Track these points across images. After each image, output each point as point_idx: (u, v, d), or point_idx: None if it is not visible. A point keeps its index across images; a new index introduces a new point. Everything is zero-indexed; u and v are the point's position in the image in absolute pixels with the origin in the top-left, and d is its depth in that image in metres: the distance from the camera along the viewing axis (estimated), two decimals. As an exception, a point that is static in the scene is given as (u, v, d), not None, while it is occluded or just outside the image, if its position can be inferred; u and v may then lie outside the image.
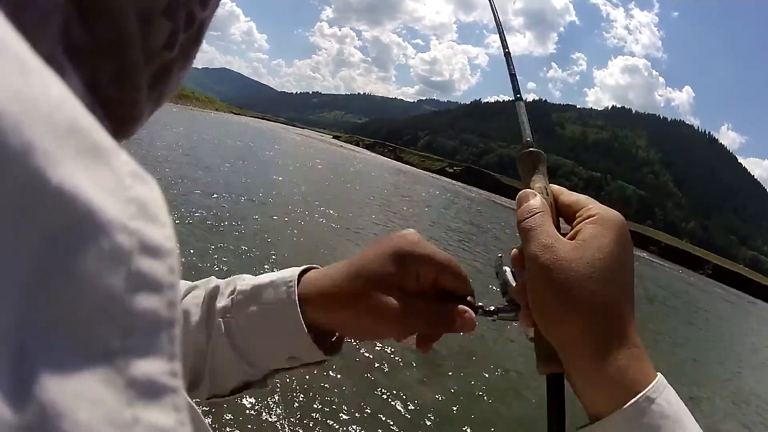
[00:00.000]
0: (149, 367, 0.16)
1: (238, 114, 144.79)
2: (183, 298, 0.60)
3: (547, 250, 0.49)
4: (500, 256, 0.60)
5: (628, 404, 0.45)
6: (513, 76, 0.76)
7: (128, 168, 0.17)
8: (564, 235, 0.52)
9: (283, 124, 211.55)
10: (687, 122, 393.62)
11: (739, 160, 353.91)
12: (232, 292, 0.60)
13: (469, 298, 0.58)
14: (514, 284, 0.56)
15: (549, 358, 0.52)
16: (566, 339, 0.49)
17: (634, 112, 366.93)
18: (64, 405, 0.13)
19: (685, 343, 14.86)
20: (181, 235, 9.72)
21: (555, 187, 0.58)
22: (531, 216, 0.53)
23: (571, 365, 0.49)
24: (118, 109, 0.25)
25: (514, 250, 0.56)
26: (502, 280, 0.59)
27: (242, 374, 0.62)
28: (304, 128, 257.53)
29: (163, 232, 0.18)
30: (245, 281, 0.61)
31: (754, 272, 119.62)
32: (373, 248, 0.57)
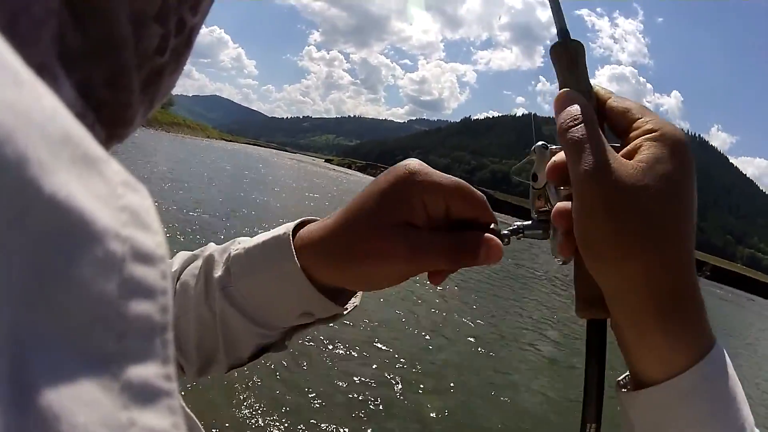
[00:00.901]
0: (144, 370, 0.17)
1: (230, 141, 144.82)
2: (183, 270, 0.60)
3: (603, 171, 0.40)
4: (541, 144, 0.51)
5: (703, 360, 0.39)
6: None
7: (120, 177, 0.17)
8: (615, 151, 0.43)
9: (275, 149, 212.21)
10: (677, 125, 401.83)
11: (730, 160, 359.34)
12: (227, 260, 0.56)
13: (492, 226, 0.50)
14: (555, 203, 0.46)
15: (593, 301, 0.44)
16: (623, 284, 0.41)
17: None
18: (61, 408, 0.14)
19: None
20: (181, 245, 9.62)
21: (599, 88, 0.48)
22: (578, 124, 0.43)
23: (626, 316, 0.42)
24: (111, 112, 0.25)
25: (556, 158, 0.47)
26: (540, 187, 0.51)
27: (258, 338, 0.59)
28: (295, 153, 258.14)
29: (154, 239, 0.18)
30: (240, 245, 0.57)
31: (751, 270, 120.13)
32: (371, 185, 0.50)
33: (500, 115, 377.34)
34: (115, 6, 0.22)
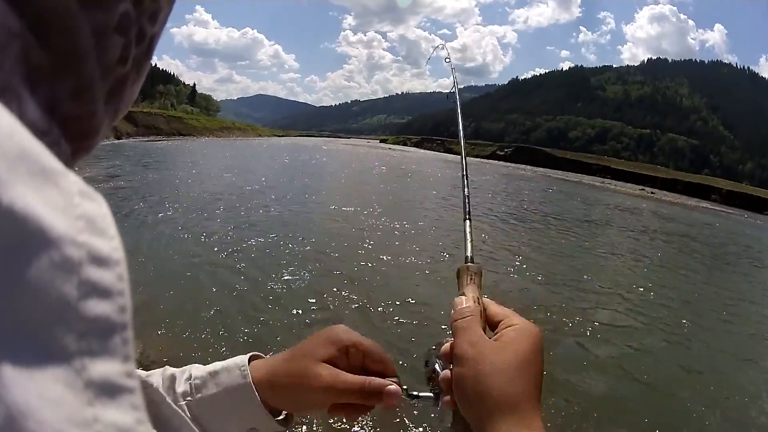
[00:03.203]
0: (105, 368, 0.18)
1: (282, 135, 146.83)
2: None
3: (474, 347, 0.61)
4: (432, 349, 0.71)
5: None
6: (466, 197, 0.94)
7: (76, 187, 0.19)
8: (489, 338, 0.64)
9: (328, 137, 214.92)
10: (725, 61, 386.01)
11: None
12: (189, 378, 0.69)
13: (394, 379, 0.70)
14: (441, 372, 0.67)
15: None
16: (481, 420, 0.58)
17: (670, 61, 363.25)
18: (28, 405, 0.15)
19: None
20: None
21: (486, 299, 0.70)
22: (463, 318, 0.65)
23: None
24: (77, 124, 0.26)
25: (446, 344, 0.67)
26: (432, 368, 0.69)
27: None
28: (350, 137, 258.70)
29: (110, 244, 0.20)
30: (199, 369, 0.71)
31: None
32: (309, 339, 0.70)
33: (547, 71, 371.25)
34: (78, 21, 0.23)
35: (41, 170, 0.18)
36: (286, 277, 9.56)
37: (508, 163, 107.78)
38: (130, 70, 0.29)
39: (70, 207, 0.18)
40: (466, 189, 1.00)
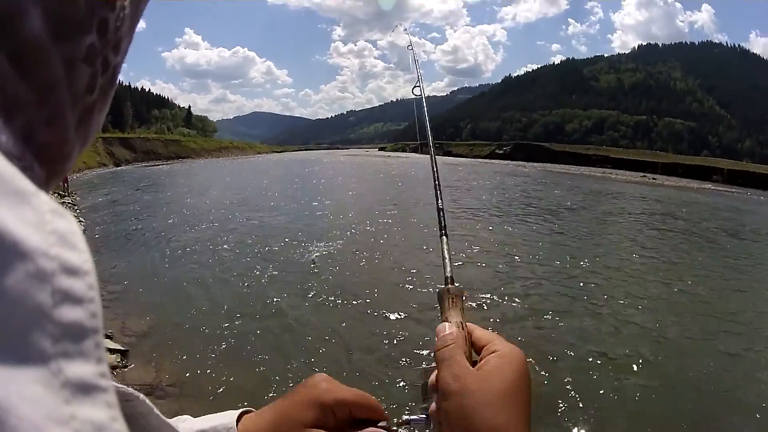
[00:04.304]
0: (80, 369, 0.19)
1: (281, 151, 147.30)
2: None
3: (458, 380, 0.60)
4: (425, 370, 0.70)
5: None
6: (440, 211, 0.89)
7: (48, 206, 0.20)
8: (474, 363, 0.63)
9: (327, 149, 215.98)
10: (715, 41, 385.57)
11: None
12: None
13: (383, 423, 0.70)
14: (430, 402, 0.67)
15: None
16: None
17: (661, 45, 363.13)
18: (9, 403, 0.16)
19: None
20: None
21: (470, 324, 0.69)
22: (446, 347, 0.64)
23: None
24: (50, 150, 0.27)
25: (432, 376, 0.67)
26: (424, 393, 0.69)
27: None
28: (348, 148, 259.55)
29: (80, 256, 0.21)
30: (186, 423, 0.71)
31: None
32: (291, 400, 0.69)
33: (539, 66, 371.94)
34: (50, 52, 0.24)
35: (14, 191, 0.19)
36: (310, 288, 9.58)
37: (508, 161, 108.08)
38: (97, 99, 0.30)
39: (43, 223, 0.20)
40: (439, 201, 0.93)
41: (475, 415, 0.57)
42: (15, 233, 0.18)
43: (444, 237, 0.84)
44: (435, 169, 1.02)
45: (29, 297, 0.18)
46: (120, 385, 0.37)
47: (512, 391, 0.59)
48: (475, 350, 0.66)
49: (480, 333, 0.68)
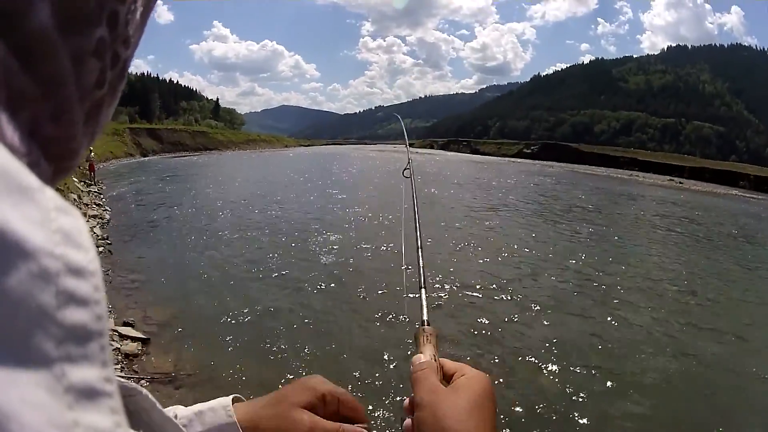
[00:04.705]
0: (85, 373, 0.18)
1: (309, 145, 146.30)
2: None
3: (430, 393, 0.69)
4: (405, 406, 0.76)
5: None
6: (422, 269, 0.99)
7: (53, 203, 0.20)
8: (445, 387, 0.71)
9: (354, 144, 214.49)
10: (744, 44, 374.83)
11: None
12: (174, 417, 0.69)
13: (364, 425, 0.78)
14: (404, 423, 0.73)
15: None
16: None
17: (690, 47, 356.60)
18: (10, 409, 0.15)
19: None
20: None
21: (441, 359, 0.78)
22: (420, 370, 0.74)
23: None
24: (57, 146, 0.27)
25: (407, 399, 0.75)
26: (403, 424, 0.74)
27: None
28: (376, 143, 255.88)
29: (86, 256, 0.20)
30: (184, 410, 0.73)
31: None
32: (288, 386, 0.77)
33: (568, 66, 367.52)
34: (57, 46, 0.23)
35: (18, 187, 0.18)
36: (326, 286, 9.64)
37: (535, 161, 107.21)
38: (106, 93, 0.30)
39: (47, 221, 0.19)
40: (420, 260, 1.02)
41: (446, 422, 0.64)
42: (18, 231, 0.18)
43: (423, 289, 0.93)
44: (418, 223, 1.09)
45: (32, 298, 0.18)
46: (123, 380, 0.36)
47: (478, 405, 0.67)
48: (446, 378, 0.74)
49: (450, 364, 0.76)
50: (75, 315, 0.19)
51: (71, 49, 0.25)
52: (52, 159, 0.27)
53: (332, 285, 9.90)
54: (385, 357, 6.89)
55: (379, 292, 9.44)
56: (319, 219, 17.23)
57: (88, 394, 0.18)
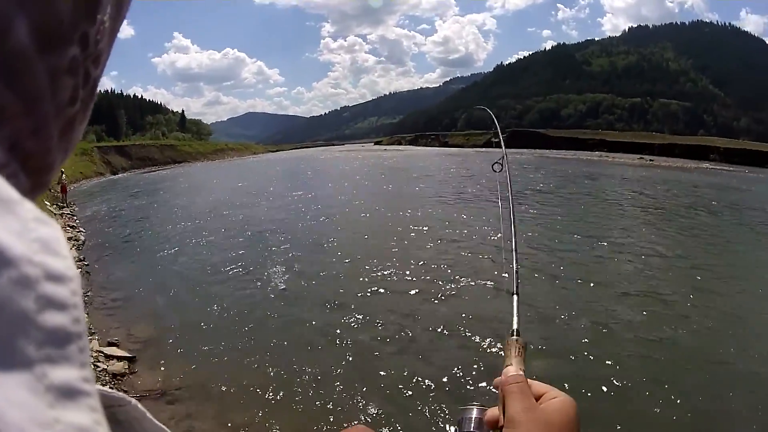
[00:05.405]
0: (64, 374, 0.19)
1: (275, 151, 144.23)
2: None
3: (527, 412, 0.69)
4: (467, 418, 0.78)
5: None
6: (516, 272, 0.96)
7: (32, 214, 0.21)
8: None
9: (323, 146, 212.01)
10: (706, 20, 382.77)
11: None
12: None
13: None
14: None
15: None
16: None
17: (652, 27, 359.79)
18: None
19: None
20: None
21: (533, 380, 0.77)
22: (516, 383, 0.73)
23: None
24: (35, 159, 0.27)
25: (490, 411, 0.76)
26: (478, 427, 0.76)
27: None
28: (344, 144, 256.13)
29: (64, 263, 0.21)
30: None
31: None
32: None
33: (531, 53, 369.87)
34: (35, 63, 0.24)
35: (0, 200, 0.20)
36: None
37: (505, 150, 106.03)
38: (78, 111, 0.30)
39: (26, 231, 0.20)
40: (514, 263, 1.00)
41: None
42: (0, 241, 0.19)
43: (516, 295, 0.91)
44: (514, 227, 1.05)
45: (13, 303, 0.18)
46: (112, 391, 0.36)
47: (568, 430, 0.69)
48: (536, 398, 0.73)
49: (538, 384, 0.76)
50: (54, 318, 0.20)
51: (47, 66, 0.25)
52: (30, 173, 0.27)
53: (317, 290, 9.90)
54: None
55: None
56: (282, 223, 17.27)
57: (68, 394, 0.19)
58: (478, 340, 7.31)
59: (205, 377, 6.44)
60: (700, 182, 37.77)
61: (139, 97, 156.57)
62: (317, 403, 5.78)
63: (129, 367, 6.77)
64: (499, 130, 1.81)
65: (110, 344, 7.29)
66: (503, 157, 1.40)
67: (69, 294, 0.21)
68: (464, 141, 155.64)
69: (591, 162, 60.18)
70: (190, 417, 5.51)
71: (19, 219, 0.20)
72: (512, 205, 1.11)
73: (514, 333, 0.83)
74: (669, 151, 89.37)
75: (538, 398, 0.73)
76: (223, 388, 6.17)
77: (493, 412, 0.76)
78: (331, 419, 5.48)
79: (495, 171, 1.43)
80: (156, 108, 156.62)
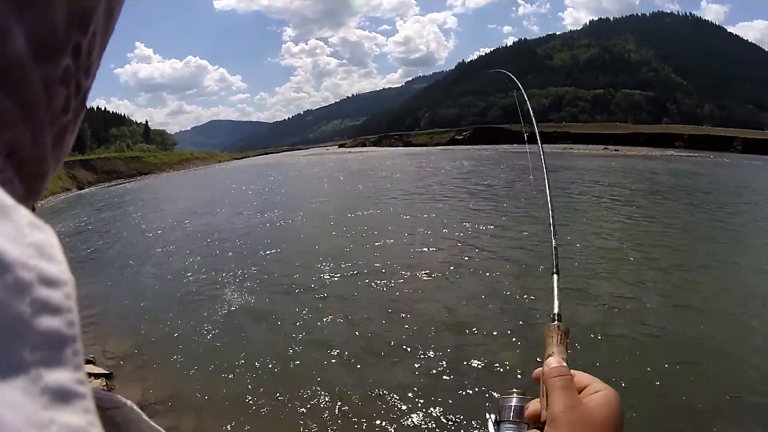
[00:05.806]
0: (59, 376, 0.19)
1: (241, 158, 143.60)
2: None
3: (572, 411, 0.68)
4: (507, 406, 0.76)
5: None
6: (555, 249, 0.93)
7: (26, 220, 0.21)
8: None
9: (288, 151, 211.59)
10: (666, 11, 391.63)
11: (729, 30, 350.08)
12: None
13: None
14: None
15: None
16: None
17: (613, 19, 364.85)
18: None
19: (745, 224, 15.38)
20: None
21: (572, 370, 0.75)
22: (561, 376, 0.72)
23: None
24: (31, 166, 0.28)
25: (532, 405, 0.74)
26: (517, 416, 0.74)
27: None
28: (308, 147, 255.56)
29: (58, 267, 0.22)
30: None
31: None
32: None
33: (492, 50, 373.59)
34: (32, 72, 0.25)
35: None
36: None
37: (468, 146, 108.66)
38: (70, 120, 0.31)
39: (21, 236, 0.20)
40: (553, 239, 0.96)
41: (580, 426, 0.65)
42: None
43: (556, 275, 0.87)
44: (551, 205, 1.02)
45: (9, 307, 0.19)
46: (108, 393, 0.38)
47: (613, 426, 0.68)
48: (579, 390, 0.72)
49: (580, 375, 0.74)
50: (49, 322, 0.20)
51: (42, 75, 0.26)
52: (25, 179, 0.28)
53: (293, 297, 9.89)
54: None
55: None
56: (262, 229, 17.13)
57: (62, 396, 0.19)
58: (512, 325, 7.50)
59: (183, 390, 6.41)
60: (659, 169, 38.63)
61: (103, 109, 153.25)
62: (301, 410, 5.76)
63: (107, 384, 6.69)
64: (532, 118, 1.70)
65: (87, 362, 7.19)
66: (541, 153, 1.39)
67: (63, 298, 0.21)
68: (428, 140, 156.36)
69: (555, 155, 60.84)
70: (171, 430, 5.48)
71: (14, 224, 0.20)
72: (548, 184, 1.09)
73: (556, 318, 0.80)
74: (633, 140, 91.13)
75: (580, 391, 0.72)
76: (202, 400, 6.14)
77: (535, 405, 0.74)
78: (315, 428, 5.47)
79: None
80: (120, 120, 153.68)
